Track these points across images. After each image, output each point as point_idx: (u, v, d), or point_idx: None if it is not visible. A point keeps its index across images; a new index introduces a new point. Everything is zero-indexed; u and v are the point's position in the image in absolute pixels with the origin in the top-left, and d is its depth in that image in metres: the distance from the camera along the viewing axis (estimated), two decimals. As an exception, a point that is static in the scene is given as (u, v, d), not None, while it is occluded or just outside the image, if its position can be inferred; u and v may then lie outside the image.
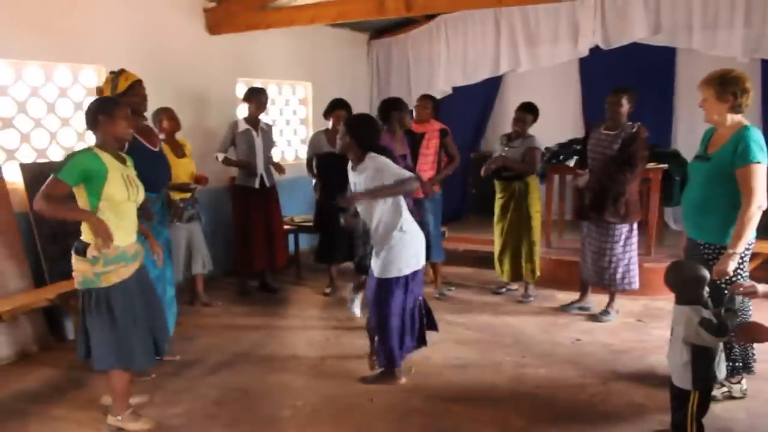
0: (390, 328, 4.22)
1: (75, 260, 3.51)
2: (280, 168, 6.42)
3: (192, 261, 5.89)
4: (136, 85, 4.27)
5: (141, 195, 3.66)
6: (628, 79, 7.61)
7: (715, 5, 6.51)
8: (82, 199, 3.47)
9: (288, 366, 4.67)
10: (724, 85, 3.60)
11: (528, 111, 5.88)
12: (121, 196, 3.50)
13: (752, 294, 3.12)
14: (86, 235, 3.49)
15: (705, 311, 3.22)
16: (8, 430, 3.75)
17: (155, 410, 3.95)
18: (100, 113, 3.51)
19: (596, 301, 5.74)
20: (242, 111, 6.40)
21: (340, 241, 6.16)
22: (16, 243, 5.00)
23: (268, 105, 7.68)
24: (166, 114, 5.65)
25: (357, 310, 5.29)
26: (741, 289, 3.14)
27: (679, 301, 3.33)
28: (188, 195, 5.70)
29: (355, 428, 3.73)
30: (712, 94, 3.64)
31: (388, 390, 4.22)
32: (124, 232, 3.55)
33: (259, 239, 6.23)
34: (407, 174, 4.14)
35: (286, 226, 6.90)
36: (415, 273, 4.27)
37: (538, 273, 6.06)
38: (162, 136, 5.36)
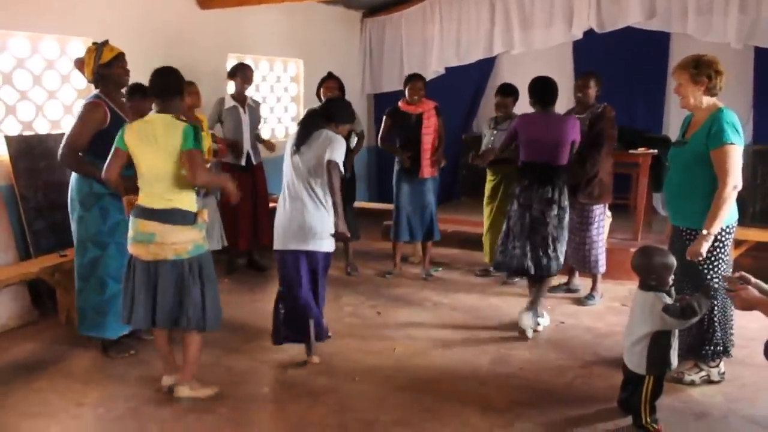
0: None
1: (182, 230, 3.53)
2: (270, 145, 6.39)
3: (209, 237, 5.82)
4: (121, 57, 4.24)
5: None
6: (621, 63, 7.65)
7: (710, -9, 6.48)
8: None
9: (271, 344, 4.66)
10: (699, 68, 3.64)
11: (507, 94, 5.90)
12: None
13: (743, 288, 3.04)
14: (190, 203, 3.59)
15: (667, 298, 3.28)
16: (-10, 402, 3.75)
17: (139, 386, 3.95)
18: (182, 88, 3.69)
19: (583, 283, 5.76)
20: (230, 87, 6.35)
21: None
22: (1, 216, 4.97)
23: (259, 81, 7.69)
24: (188, 89, 5.57)
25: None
26: (731, 283, 3.05)
27: (644, 286, 3.38)
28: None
29: (337, 406, 3.75)
30: (687, 78, 3.68)
31: (371, 369, 4.24)
32: None
33: (244, 218, 6.21)
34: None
35: (274, 204, 6.86)
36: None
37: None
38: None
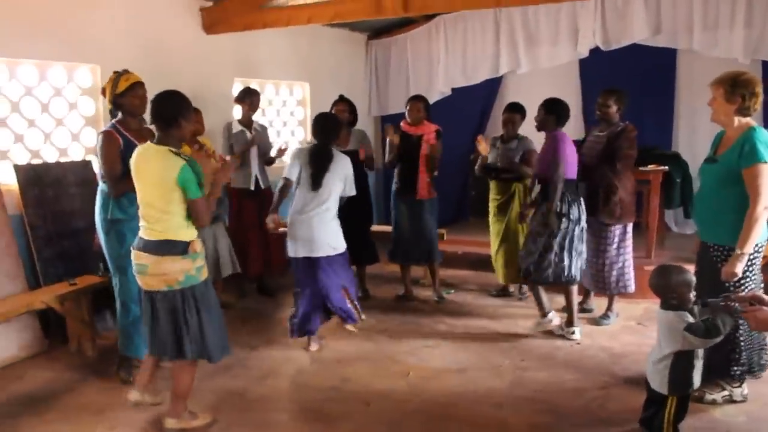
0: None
1: (172, 261, 3.47)
2: (281, 151, 6.35)
3: (221, 263, 5.84)
4: (136, 86, 4.26)
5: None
6: (628, 80, 7.58)
7: (716, 6, 6.46)
8: (177, 201, 3.47)
9: (283, 370, 4.62)
10: (735, 87, 3.61)
11: (515, 110, 5.88)
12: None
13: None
14: (183, 233, 3.51)
15: (689, 317, 3.20)
16: (0, 434, 3.70)
17: (152, 413, 3.89)
18: (180, 116, 3.52)
19: (599, 303, 5.69)
20: (237, 111, 6.35)
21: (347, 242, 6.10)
22: (10, 245, 4.94)
23: (266, 106, 7.70)
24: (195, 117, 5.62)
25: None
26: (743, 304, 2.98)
27: (665, 305, 3.31)
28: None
29: (352, 432, 3.69)
30: (721, 94, 3.66)
31: (385, 394, 4.18)
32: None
33: (254, 243, 6.19)
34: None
35: (284, 229, 6.83)
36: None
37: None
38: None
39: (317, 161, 4.78)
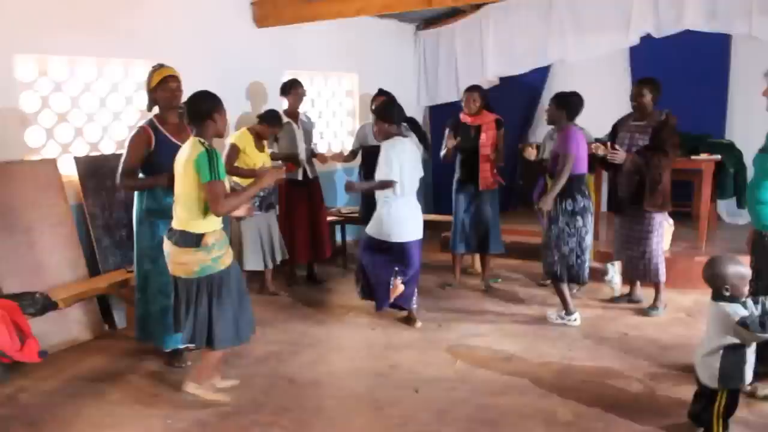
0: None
1: (184, 252, 3.66)
2: (322, 158, 6.46)
3: (274, 249, 6.03)
4: (168, 79, 4.37)
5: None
6: (680, 68, 7.47)
7: (775, -11, 6.28)
8: (194, 188, 3.61)
9: (333, 356, 4.72)
10: None
11: (556, 104, 5.79)
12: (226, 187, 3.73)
13: None
14: (196, 225, 3.65)
15: (743, 309, 3.15)
16: (65, 413, 3.88)
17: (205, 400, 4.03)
18: (214, 111, 3.70)
19: (646, 294, 5.65)
20: (283, 104, 6.45)
21: None
22: (71, 234, 5.15)
23: (315, 97, 7.80)
24: (270, 123, 5.85)
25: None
26: None
27: (717, 297, 3.26)
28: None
29: (400, 418, 3.76)
30: None
31: (433, 381, 4.24)
32: (218, 219, 3.74)
33: (302, 231, 6.30)
34: (390, 180, 4.96)
35: (332, 218, 6.95)
36: (386, 243, 5.04)
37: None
38: (252, 127, 5.83)
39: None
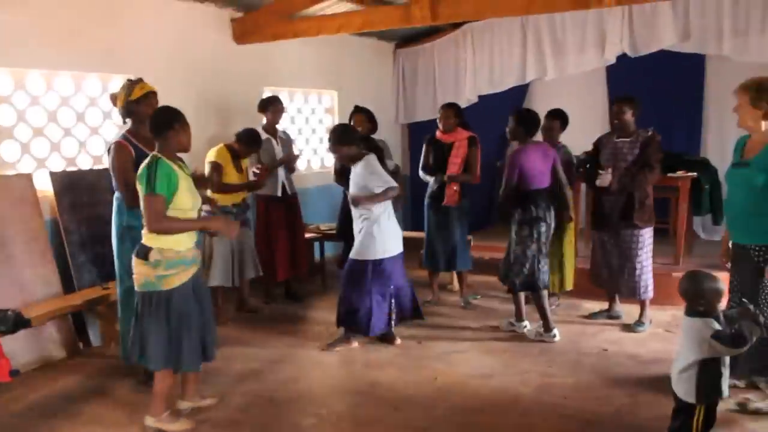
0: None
1: (136, 263, 3.64)
2: (293, 157, 6.45)
3: (244, 266, 5.94)
4: (150, 95, 4.36)
5: (199, 201, 3.79)
6: (656, 87, 7.58)
7: (746, 10, 6.41)
8: None
9: (313, 374, 4.68)
10: (760, 92, 3.71)
11: (555, 117, 5.84)
12: (189, 205, 3.65)
13: None
14: (149, 239, 3.60)
15: (716, 324, 3.17)
16: (37, 434, 3.80)
17: (186, 415, 3.96)
18: (175, 122, 3.66)
19: (625, 309, 5.67)
20: (263, 121, 6.43)
21: None
22: (46, 250, 5.07)
23: (294, 114, 7.79)
24: (249, 147, 5.85)
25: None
26: None
27: (690, 312, 3.28)
28: (239, 200, 5.81)
29: (380, 437, 3.72)
30: (746, 100, 3.76)
31: (413, 399, 4.21)
32: (187, 238, 3.68)
33: (281, 248, 6.25)
34: (394, 186, 4.95)
35: (311, 234, 6.92)
36: (381, 261, 4.98)
37: (569, 286, 5.96)
38: (228, 143, 5.82)
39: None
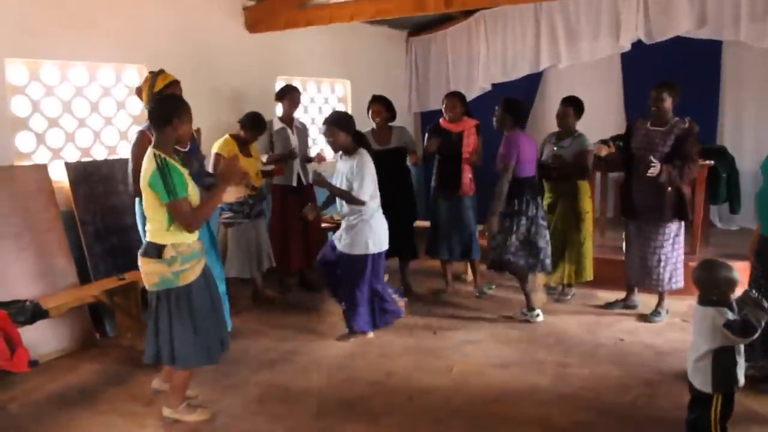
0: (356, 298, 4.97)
1: (147, 263, 3.59)
2: (320, 157, 6.43)
3: (261, 257, 5.95)
4: (173, 84, 4.38)
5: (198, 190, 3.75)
6: (671, 74, 7.42)
7: (765, -5, 6.32)
8: (154, 204, 3.52)
9: (327, 364, 4.68)
10: None
11: (569, 104, 5.76)
12: (196, 198, 3.61)
13: None
14: (158, 236, 3.57)
15: (730, 313, 3.16)
16: (57, 425, 3.82)
17: (197, 405, 3.97)
18: (174, 116, 3.55)
19: (642, 299, 5.65)
20: (278, 110, 6.43)
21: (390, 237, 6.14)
22: (62, 240, 5.09)
23: (307, 103, 7.77)
24: (253, 131, 5.77)
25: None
26: None
27: (703, 301, 3.26)
28: (254, 192, 5.75)
29: (395, 427, 3.72)
30: None
31: (428, 389, 4.21)
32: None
33: (296, 238, 6.24)
34: (362, 198, 4.82)
35: (325, 224, 6.91)
36: (380, 254, 5.01)
37: (588, 276, 5.90)
38: (234, 133, 5.76)
39: None
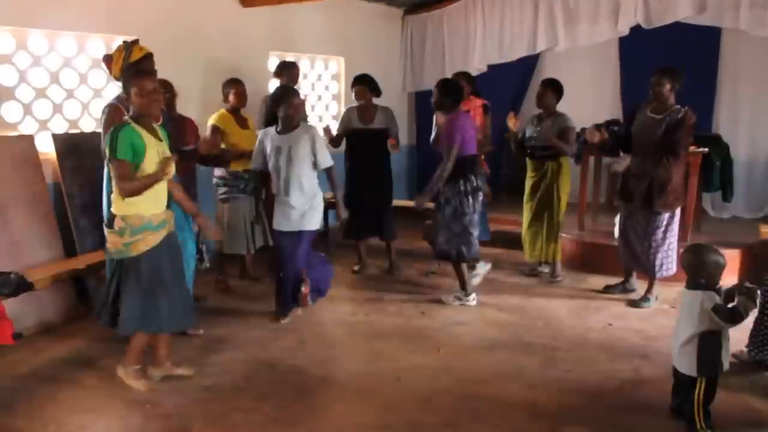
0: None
1: (107, 232, 3.70)
2: (327, 131, 6.29)
3: (255, 234, 5.86)
4: (149, 57, 4.27)
5: (172, 169, 3.72)
6: (669, 60, 7.37)
7: (765, -19, 6.26)
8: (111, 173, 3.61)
9: (315, 343, 4.66)
10: None
11: (548, 85, 5.78)
12: (153, 169, 3.60)
13: None
14: (115, 207, 3.63)
15: (717, 297, 3.22)
16: (41, 398, 3.78)
17: (185, 383, 3.95)
18: (131, 86, 3.58)
19: (641, 285, 5.63)
20: (274, 85, 6.35)
21: (368, 217, 6.12)
22: (48, 213, 5.03)
23: (301, 79, 7.67)
24: (235, 88, 5.63)
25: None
26: None
27: (692, 285, 3.32)
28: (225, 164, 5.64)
29: (384, 406, 3.70)
30: None
31: (416, 369, 4.19)
32: (151, 203, 3.66)
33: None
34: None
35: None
36: None
37: (558, 255, 5.98)
38: (227, 107, 5.63)
39: None
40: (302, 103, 4.82)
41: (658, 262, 5.29)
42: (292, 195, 4.81)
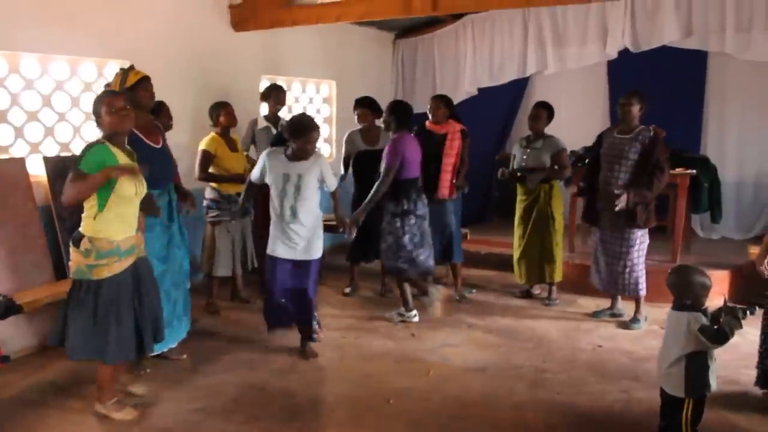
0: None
1: (71, 250, 3.62)
2: None
3: (246, 257, 5.89)
4: (145, 80, 4.30)
5: (143, 190, 3.74)
6: (657, 82, 7.53)
7: (750, 7, 6.38)
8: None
9: (306, 365, 4.65)
10: None
11: (542, 107, 5.85)
12: (129, 192, 3.60)
13: None
14: (84, 226, 3.60)
15: (704, 318, 3.23)
16: (28, 422, 3.76)
17: (174, 406, 3.94)
18: (100, 106, 3.61)
19: (627, 307, 5.63)
20: (263, 109, 6.40)
21: (375, 239, 6.10)
22: (38, 236, 5.02)
23: (292, 103, 7.73)
24: (224, 109, 5.69)
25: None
26: None
27: (678, 306, 3.32)
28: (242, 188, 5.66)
29: (374, 429, 3.71)
30: None
31: (406, 391, 4.18)
32: (122, 227, 3.64)
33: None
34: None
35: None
36: None
37: (558, 277, 5.98)
38: (217, 130, 5.68)
39: None
40: (319, 136, 4.78)
41: (632, 281, 5.35)
42: (298, 223, 4.66)
